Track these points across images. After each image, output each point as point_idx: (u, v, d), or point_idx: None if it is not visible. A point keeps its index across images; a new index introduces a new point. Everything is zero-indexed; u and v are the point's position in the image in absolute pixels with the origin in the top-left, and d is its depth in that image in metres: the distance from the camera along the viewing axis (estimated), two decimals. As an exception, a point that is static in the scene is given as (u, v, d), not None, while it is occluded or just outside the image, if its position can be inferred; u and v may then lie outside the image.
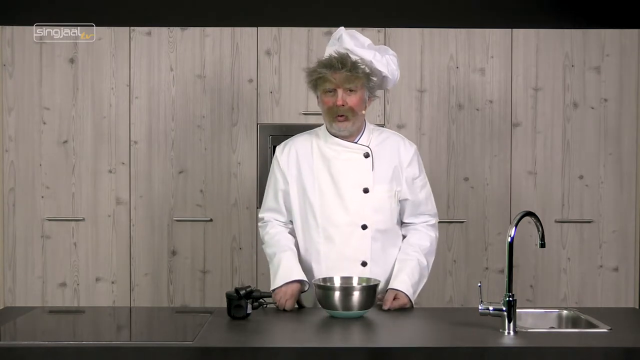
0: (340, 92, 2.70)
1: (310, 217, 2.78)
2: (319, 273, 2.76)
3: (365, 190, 2.76)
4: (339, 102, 2.70)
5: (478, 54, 4.19)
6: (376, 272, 2.75)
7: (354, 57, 2.72)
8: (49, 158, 4.14)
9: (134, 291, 4.16)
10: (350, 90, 2.71)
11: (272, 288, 2.72)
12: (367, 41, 2.82)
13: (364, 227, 2.75)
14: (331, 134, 2.81)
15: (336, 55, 2.72)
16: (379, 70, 2.78)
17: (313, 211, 2.77)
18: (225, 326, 2.37)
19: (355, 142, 2.80)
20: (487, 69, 4.19)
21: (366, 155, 2.78)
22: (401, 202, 2.82)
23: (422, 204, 2.85)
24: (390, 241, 2.82)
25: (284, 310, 2.65)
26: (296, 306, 2.71)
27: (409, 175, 2.82)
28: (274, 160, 2.89)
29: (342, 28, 2.82)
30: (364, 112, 2.78)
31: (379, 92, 3.08)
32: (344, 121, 2.73)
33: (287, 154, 2.85)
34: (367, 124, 2.86)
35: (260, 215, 2.94)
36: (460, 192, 4.19)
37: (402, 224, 2.88)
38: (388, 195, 2.78)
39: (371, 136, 2.83)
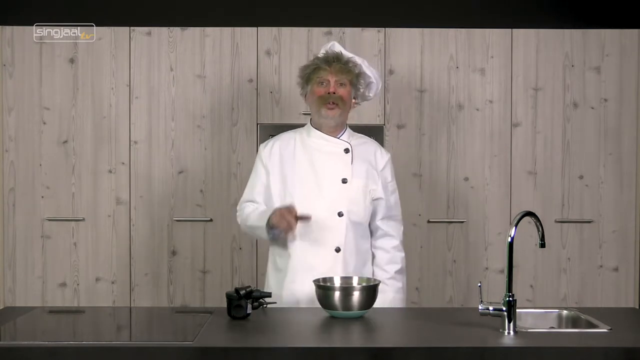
0: (332, 81, 2.89)
1: (290, 202, 2.87)
2: (295, 257, 2.88)
3: (344, 181, 2.90)
4: (332, 90, 2.88)
5: (478, 54, 4.19)
6: (349, 260, 2.87)
7: (346, 57, 2.95)
8: (49, 158, 4.14)
9: (134, 291, 4.16)
10: (341, 84, 2.89)
11: (265, 223, 2.80)
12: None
13: (340, 214, 2.87)
14: (315, 127, 2.97)
15: (331, 52, 2.95)
16: (367, 75, 2.98)
17: (292, 198, 2.87)
18: (225, 326, 2.37)
19: (337, 138, 2.96)
20: (487, 69, 4.19)
21: (346, 151, 2.94)
22: (375, 201, 2.95)
23: (393, 207, 3.00)
24: (363, 234, 2.94)
25: (292, 228, 2.75)
26: (305, 215, 2.77)
27: (383, 178, 2.98)
28: (257, 156, 3.05)
29: (333, 41, 3.07)
30: (350, 107, 2.97)
31: (367, 99, 3.16)
32: (333, 108, 2.88)
33: (270, 147, 3.01)
34: (348, 128, 3.02)
35: (237, 207, 3.06)
36: (460, 192, 4.19)
37: (371, 233, 2.99)
38: (363, 190, 2.92)
39: (351, 138, 3.00)
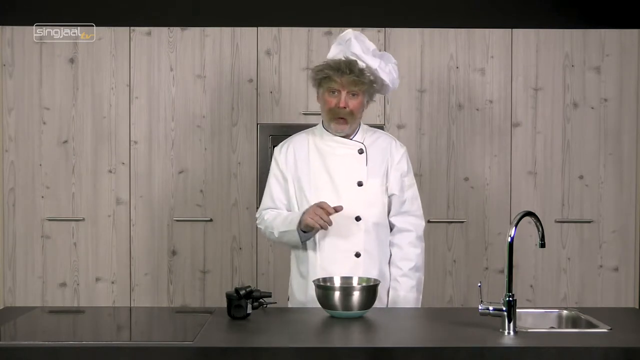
0: (343, 94, 2.81)
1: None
2: (314, 264, 2.84)
3: (360, 184, 2.86)
4: (342, 104, 2.80)
5: (478, 54, 4.19)
6: (369, 264, 2.84)
7: (361, 64, 2.83)
8: (49, 158, 4.14)
9: (134, 291, 4.16)
10: (353, 94, 2.82)
11: (295, 227, 2.76)
12: (372, 46, 2.92)
13: (358, 218, 2.84)
14: (327, 130, 2.91)
15: (345, 59, 2.82)
16: (382, 79, 2.89)
17: (308, 203, 2.83)
18: (225, 326, 2.37)
19: (351, 139, 2.90)
20: (487, 69, 4.19)
21: (360, 151, 2.88)
22: (389, 197, 2.91)
23: (407, 201, 2.92)
24: (383, 234, 2.90)
25: (328, 223, 2.69)
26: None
27: (398, 171, 2.91)
28: (272, 161, 2.98)
29: (350, 31, 2.90)
30: (360, 119, 2.91)
31: (377, 96, 3.12)
32: (342, 124, 2.84)
33: (285, 152, 2.94)
34: (362, 124, 2.96)
35: (257, 215, 3.01)
36: (460, 192, 4.19)
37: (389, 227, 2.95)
38: (380, 190, 2.88)
39: (365, 135, 2.94)
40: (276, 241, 2.95)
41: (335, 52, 2.90)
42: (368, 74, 2.83)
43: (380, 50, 2.97)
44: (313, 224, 2.70)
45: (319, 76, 2.84)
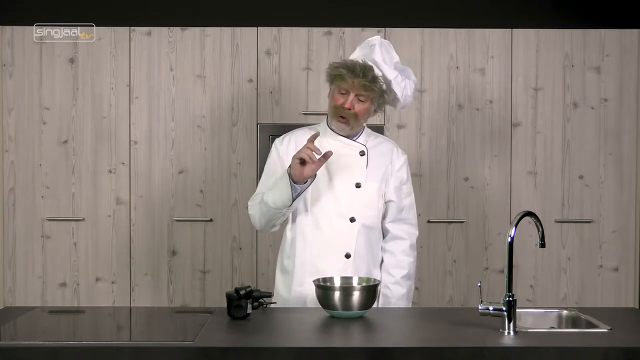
0: (351, 96, 2.80)
1: (302, 204, 2.84)
2: (303, 259, 2.85)
3: (357, 185, 2.85)
4: (347, 105, 2.80)
5: (478, 54, 4.19)
6: (359, 265, 2.84)
7: (377, 71, 2.81)
8: (49, 158, 4.15)
9: (134, 291, 4.16)
10: (361, 99, 2.80)
11: (287, 175, 2.71)
12: (396, 57, 2.90)
13: (352, 219, 2.84)
14: (330, 129, 2.90)
15: (361, 62, 2.81)
16: (394, 92, 2.86)
17: (305, 199, 2.83)
18: (225, 326, 2.37)
19: (353, 140, 2.90)
20: (487, 69, 4.19)
21: (362, 153, 2.88)
22: (386, 203, 2.90)
23: (404, 209, 2.93)
24: (375, 238, 2.90)
25: (313, 159, 2.65)
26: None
27: (398, 179, 2.91)
28: (272, 149, 2.97)
29: (377, 38, 2.89)
30: (364, 123, 2.90)
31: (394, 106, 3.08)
32: (344, 123, 2.83)
33: (287, 143, 2.93)
34: (365, 128, 2.95)
35: (249, 203, 2.92)
36: (460, 192, 4.19)
37: (383, 233, 2.94)
38: (377, 194, 2.88)
39: (368, 139, 2.94)
40: (263, 216, 2.83)
41: (357, 55, 2.89)
42: (381, 83, 2.81)
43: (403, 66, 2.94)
44: (300, 154, 2.65)
45: (334, 73, 2.82)
